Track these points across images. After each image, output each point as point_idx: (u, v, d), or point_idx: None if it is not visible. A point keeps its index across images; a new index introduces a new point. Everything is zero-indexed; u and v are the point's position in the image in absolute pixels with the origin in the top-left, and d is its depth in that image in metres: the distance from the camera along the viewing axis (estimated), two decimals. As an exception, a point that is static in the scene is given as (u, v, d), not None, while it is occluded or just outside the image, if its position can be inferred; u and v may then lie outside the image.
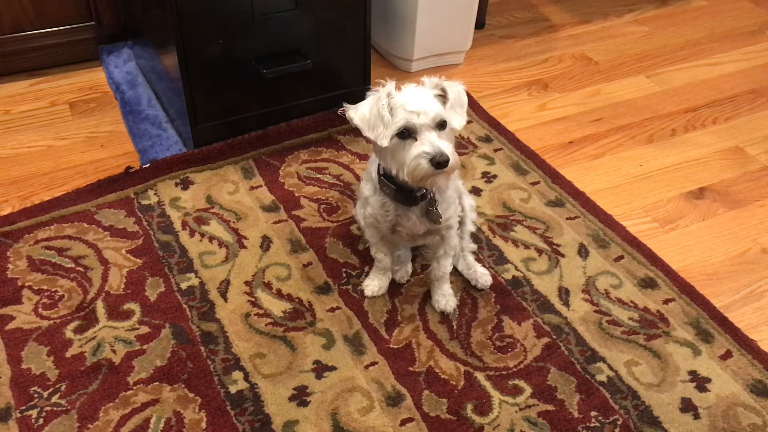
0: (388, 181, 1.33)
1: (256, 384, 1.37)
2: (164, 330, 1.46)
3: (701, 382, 1.40)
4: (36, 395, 1.34)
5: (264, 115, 1.99)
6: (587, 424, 1.32)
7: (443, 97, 1.28)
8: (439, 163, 1.20)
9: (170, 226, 1.71)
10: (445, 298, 1.51)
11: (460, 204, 1.49)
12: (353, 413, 1.32)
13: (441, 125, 1.24)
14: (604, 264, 1.64)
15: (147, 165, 1.87)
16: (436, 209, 1.36)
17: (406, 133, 1.23)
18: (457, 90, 1.29)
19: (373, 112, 1.25)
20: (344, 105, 1.31)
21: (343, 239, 1.69)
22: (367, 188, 1.42)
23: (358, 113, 1.28)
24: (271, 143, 1.96)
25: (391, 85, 1.28)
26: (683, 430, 1.31)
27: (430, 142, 1.21)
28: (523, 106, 2.21)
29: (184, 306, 1.51)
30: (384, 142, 1.23)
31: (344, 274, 1.60)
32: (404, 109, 1.22)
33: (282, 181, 1.85)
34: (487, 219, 1.76)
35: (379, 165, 1.36)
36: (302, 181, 1.86)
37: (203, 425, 1.30)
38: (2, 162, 1.92)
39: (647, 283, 1.60)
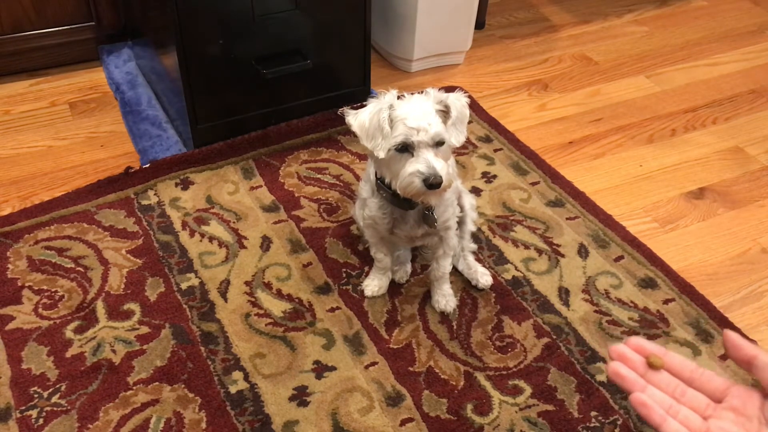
0: (384, 185, 1.33)
1: (256, 384, 1.37)
2: (164, 330, 1.46)
3: (701, 382, 1.39)
4: (36, 395, 1.34)
5: (264, 115, 1.99)
6: (587, 424, 1.32)
7: (445, 111, 1.27)
8: (431, 184, 1.20)
9: (170, 226, 1.71)
10: (445, 298, 1.51)
11: (459, 204, 1.49)
12: (353, 413, 1.33)
13: (439, 143, 1.23)
14: (604, 264, 1.64)
15: (147, 165, 1.87)
16: (433, 214, 1.36)
17: (403, 148, 1.22)
18: (460, 106, 1.28)
19: (373, 122, 1.23)
20: (344, 110, 1.30)
21: (343, 239, 1.69)
22: (365, 189, 1.42)
23: (357, 120, 1.26)
24: (271, 143, 1.96)
25: (393, 95, 1.26)
26: (683, 430, 1.31)
27: (425, 161, 1.20)
28: (523, 106, 2.21)
29: (184, 306, 1.51)
30: (381, 154, 1.23)
31: (344, 274, 1.60)
32: (404, 123, 1.21)
33: (282, 181, 1.85)
34: (487, 219, 1.76)
35: (376, 172, 1.36)
36: (302, 181, 1.86)
37: (203, 425, 1.30)
38: (2, 162, 1.92)
39: (647, 283, 1.60)
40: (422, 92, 1.29)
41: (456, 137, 1.27)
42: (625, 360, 0.75)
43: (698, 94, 2.30)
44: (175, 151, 1.95)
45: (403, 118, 1.21)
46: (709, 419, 0.71)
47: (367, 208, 1.41)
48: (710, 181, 1.94)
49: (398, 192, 1.26)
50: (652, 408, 0.71)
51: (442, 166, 1.21)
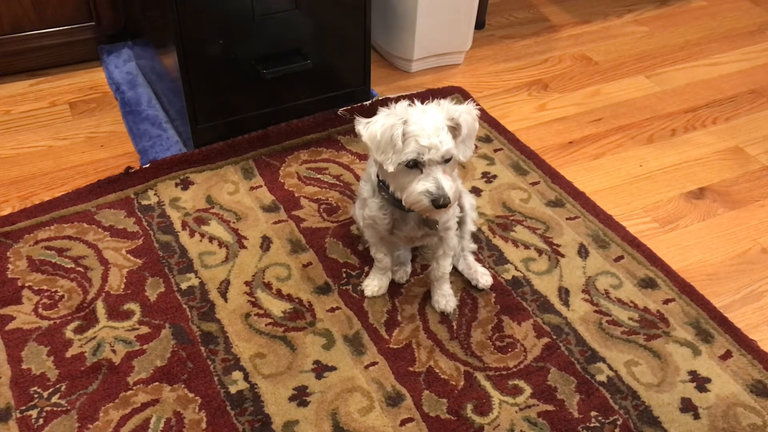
0: (386, 187, 1.34)
1: (256, 384, 1.37)
2: (164, 330, 1.46)
3: (701, 382, 1.40)
4: (36, 395, 1.34)
5: (264, 115, 1.99)
6: (587, 424, 1.32)
7: (455, 127, 1.27)
8: (439, 205, 1.21)
9: (170, 226, 1.71)
10: (445, 299, 1.51)
11: (459, 204, 1.49)
12: (353, 413, 1.33)
13: (448, 159, 1.24)
14: (604, 264, 1.64)
15: (147, 165, 1.87)
16: (433, 218, 1.36)
17: (413, 164, 1.23)
18: (471, 121, 1.28)
19: (385, 137, 1.23)
20: (356, 117, 1.30)
21: (343, 239, 1.69)
22: (366, 189, 1.42)
23: (368, 132, 1.25)
24: (271, 143, 1.96)
25: (404, 108, 1.25)
26: (683, 430, 1.31)
27: (435, 181, 1.21)
28: (523, 106, 2.21)
29: (184, 306, 1.51)
30: (390, 168, 1.23)
31: (344, 274, 1.60)
32: (417, 141, 1.21)
33: (282, 181, 1.85)
34: (487, 219, 1.76)
35: (378, 175, 1.36)
36: (302, 181, 1.86)
37: (203, 425, 1.30)
38: (2, 162, 1.92)
39: (647, 283, 1.60)
40: (433, 100, 1.28)
41: (464, 153, 1.28)
42: None
43: (698, 94, 2.30)
44: (175, 151, 1.94)
45: (415, 135, 1.21)
46: None
47: (367, 208, 1.41)
48: (710, 181, 1.94)
49: (403, 204, 1.27)
50: None
51: (450, 185, 1.22)
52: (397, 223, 1.40)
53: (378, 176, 1.36)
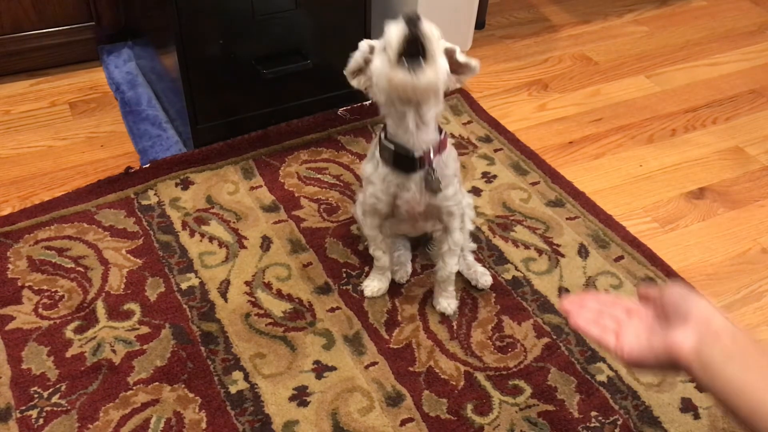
0: (387, 146, 1.30)
1: (256, 384, 1.37)
2: (164, 330, 1.46)
3: (701, 382, 1.39)
4: (36, 395, 1.34)
5: (264, 115, 1.99)
6: (587, 424, 1.32)
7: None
8: (411, 19, 1.17)
9: (170, 226, 1.71)
10: (447, 300, 1.51)
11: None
12: (353, 413, 1.33)
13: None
14: (604, 264, 1.64)
15: (147, 165, 1.87)
16: (435, 177, 1.32)
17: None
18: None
19: (363, 46, 1.28)
20: (345, 72, 1.32)
21: (343, 239, 1.69)
22: (368, 167, 1.38)
23: (354, 56, 1.29)
24: (271, 143, 1.96)
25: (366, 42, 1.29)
26: (683, 430, 1.31)
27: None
28: (523, 106, 2.21)
29: (184, 306, 1.51)
30: (377, 63, 1.23)
31: (344, 274, 1.60)
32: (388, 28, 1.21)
33: (282, 181, 1.85)
34: (487, 219, 1.76)
35: (380, 134, 1.34)
36: (302, 181, 1.86)
37: (203, 425, 1.30)
38: (2, 162, 1.92)
39: (648, 284, 1.60)
40: None
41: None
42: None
43: (698, 94, 2.30)
44: (175, 151, 1.95)
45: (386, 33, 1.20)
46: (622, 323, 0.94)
47: (370, 186, 1.38)
48: (710, 181, 1.94)
49: (391, 89, 1.21)
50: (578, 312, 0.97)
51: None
52: (399, 190, 1.35)
53: (379, 139, 1.33)
